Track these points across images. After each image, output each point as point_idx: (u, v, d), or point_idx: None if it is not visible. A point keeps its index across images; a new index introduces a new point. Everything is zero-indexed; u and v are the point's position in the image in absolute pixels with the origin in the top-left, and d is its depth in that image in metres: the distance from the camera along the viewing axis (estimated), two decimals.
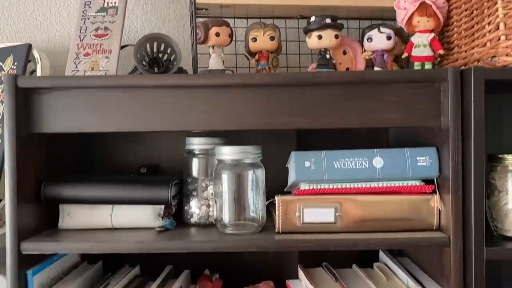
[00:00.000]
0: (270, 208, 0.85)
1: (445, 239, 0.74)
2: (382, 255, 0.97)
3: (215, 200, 0.81)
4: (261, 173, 0.81)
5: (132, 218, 0.84)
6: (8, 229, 0.74)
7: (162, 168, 1.03)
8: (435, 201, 0.78)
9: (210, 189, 0.86)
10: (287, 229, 0.78)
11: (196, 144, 0.88)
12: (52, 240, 0.77)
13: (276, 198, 0.78)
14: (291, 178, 0.81)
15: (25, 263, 0.77)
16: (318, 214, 0.78)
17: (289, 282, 0.91)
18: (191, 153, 0.88)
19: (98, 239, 0.78)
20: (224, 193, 0.80)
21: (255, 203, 0.80)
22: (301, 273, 0.92)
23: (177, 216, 0.87)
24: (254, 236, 0.78)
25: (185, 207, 0.88)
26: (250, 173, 0.80)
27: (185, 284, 0.91)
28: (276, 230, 0.78)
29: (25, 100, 0.76)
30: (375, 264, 0.93)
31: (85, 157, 1.02)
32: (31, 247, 0.75)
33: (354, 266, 0.94)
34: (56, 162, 0.88)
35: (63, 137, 0.91)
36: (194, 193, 0.87)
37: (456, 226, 0.73)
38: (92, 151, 1.04)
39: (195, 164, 0.88)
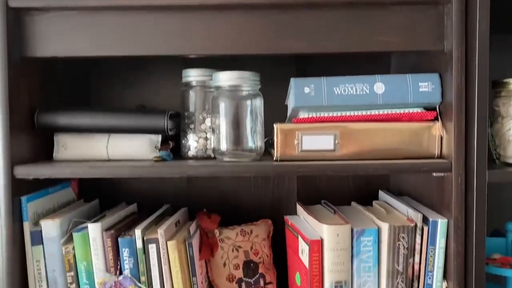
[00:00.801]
0: (268, 149, 0.84)
1: (447, 164, 0.73)
2: (381, 195, 0.96)
3: (213, 130, 0.80)
4: (259, 102, 0.80)
5: (128, 150, 0.83)
6: (1, 154, 0.73)
7: (160, 108, 1.01)
8: (437, 128, 0.76)
9: (208, 122, 0.84)
10: (286, 157, 0.76)
11: (193, 76, 0.86)
12: (46, 165, 0.76)
13: (274, 126, 0.77)
14: (291, 105, 0.80)
15: (20, 189, 0.76)
16: (317, 141, 0.77)
17: (288, 217, 0.90)
18: (188, 86, 0.87)
19: (93, 165, 0.76)
20: (221, 122, 0.78)
21: (253, 133, 0.79)
22: (299, 209, 0.91)
23: (174, 153, 0.85)
24: (252, 163, 0.77)
25: (183, 141, 0.86)
26: (248, 102, 0.79)
27: (183, 219, 0.90)
28: (274, 158, 0.77)
29: (17, 21, 0.74)
30: (374, 202, 0.92)
31: (81, 99, 1.00)
32: (24, 172, 0.74)
33: (353, 203, 0.93)
34: (51, 93, 0.86)
35: (60, 68, 0.90)
36: (192, 126, 0.85)
37: (458, 150, 0.72)
38: (89, 93, 1.02)
39: (192, 97, 0.86)
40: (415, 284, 0.76)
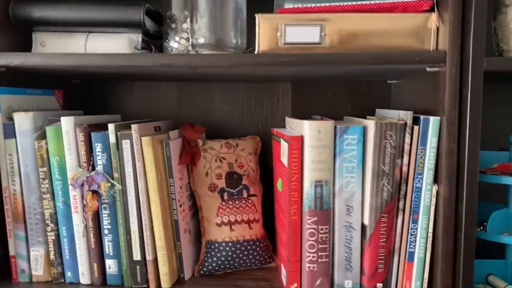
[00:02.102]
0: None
1: (441, 54, 0.67)
2: (379, 111, 0.90)
3: (192, 22, 0.75)
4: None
5: (108, 49, 0.79)
6: None
7: None
8: (432, 20, 0.70)
9: (189, 21, 0.80)
10: (268, 51, 0.71)
11: None
12: (17, 54, 0.73)
13: (256, 16, 0.72)
14: None
15: None
16: (302, 33, 0.71)
17: (275, 129, 0.85)
18: None
19: (64, 54, 0.73)
20: (202, 13, 0.73)
21: (235, 28, 0.74)
22: (287, 120, 0.86)
23: None
24: (232, 54, 0.72)
25: (164, 44, 0.82)
26: None
27: (165, 127, 0.87)
28: (256, 51, 0.72)
29: None
30: (367, 116, 0.86)
31: None
32: None
33: (345, 117, 0.87)
34: None
35: None
36: (173, 26, 0.81)
37: (454, 40, 0.65)
38: None
39: None
40: (403, 187, 0.70)
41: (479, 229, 0.78)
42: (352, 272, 0.72)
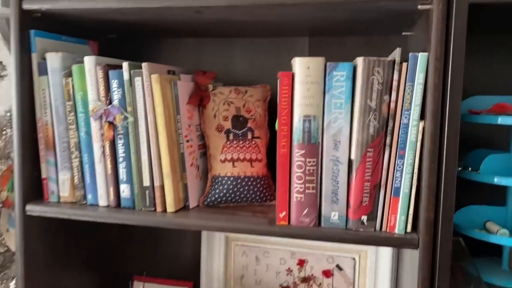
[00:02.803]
0: None
1: None
2: None
3: None
4: None
5: None
6: None
7: None
8: None
9: None
10: None
11: None
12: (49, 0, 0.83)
13: None
14: None
15: (29, 23, 0.85)
16: None
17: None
18: None
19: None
20: None
21: None
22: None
23: None
24: None
25: None
26: None
27: (179, 71, 0.94)
28: None
29: None
30: None
31: None
32: (30, 6, 0.82)
33: None
34: None
35: None
36: None
37: None
38: None
39: None
40: (390, 123, 0.72)
41: (468, 170, 0.77)
42: (338, 204, 0.75)
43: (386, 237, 0.73)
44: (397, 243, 0.73)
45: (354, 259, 1.04)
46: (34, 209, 0.86)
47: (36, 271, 0.90)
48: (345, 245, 1.03)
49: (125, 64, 0.82)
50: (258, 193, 0.89)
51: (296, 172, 0.75)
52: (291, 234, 0.77)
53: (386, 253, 1.00)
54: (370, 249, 1.02)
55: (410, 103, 0.70)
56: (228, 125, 0.90)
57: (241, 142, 0.90)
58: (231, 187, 0.88)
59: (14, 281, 0.99)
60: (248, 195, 0.88)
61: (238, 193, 0.88)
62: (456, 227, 0.81)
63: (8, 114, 1.02)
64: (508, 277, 0.77)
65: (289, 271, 1.08)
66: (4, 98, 1.22)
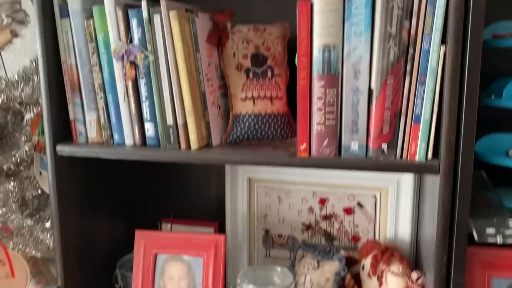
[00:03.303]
0: None
1: None
2: None
3: None
4: None
5: None
6: None
7: None
8: None
9: None
10: None
11: None
12: None
13: None
14: None
15: None
16: None
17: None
18: None
19: None
20: None
21: None
22: None
23: None
24: None
25: None
26: None
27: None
28: None
29: None
30: None
31: None
32: None
33: None
34: None
35: None
36: None
37: None
38: None
39: None
40: (411, 50, 0.71)
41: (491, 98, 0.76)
42: (358, 134, 0.76)
43: (406, 164, 0.74)
44: (418, 169, 0.74)
45: (375, 196, 1.06)
46: (64, 149, 0.90)
47: (69, 212, 0.95)
48: (366, 182, 1.05)
49: (143, 2, 0.83)
50: (278, 130, 0.90)
51: (316, 103, 0.76)
52: (312, 165, 0.78)
53: (406, 189, 1.01)
54: (390, 186, 1.03)
55: (431, 28, 0.69)
56: (247, 63, 0.91)
57: (261, 80, 0.90)
58: (252, 124, 0.89)
59: (49, 222, 1.05)
60: (269, 132, 0.90)
61: (259, 131, 0.89)
62: (478, 155, 0.81)
63: (34, 63, 1.05)
64: None
65: (311, 209, 1.11)
66: (29, 49, 1.25)
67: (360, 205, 1.07)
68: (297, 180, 1.10)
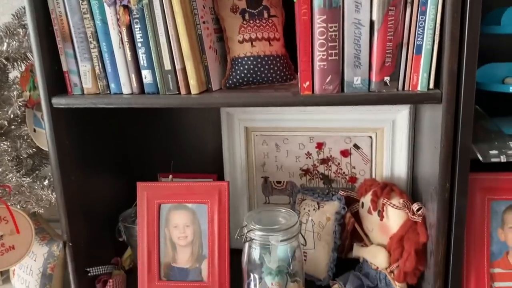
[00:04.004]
0: None
1: None
2: None
3: None
4: None
5: None
6: None
7: None
8: None
9: None
10: None
11: None
12: None
13: None
14: None
15: None
16: None
17: None
18: None
19: None
20: None
21: None
22: None
23: None
24: None
25: None
26: None
27: None
28: None
29: None
30: None
31: None
32: None
33: None
34: None
35: None
36: None
37: None
38: None
39: None
40: None
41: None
42: (361, 68, 0.77)
43: (408, 94, 0.75)
44: (420, 99, 0.75)
45: (370, 137, 1.08)
46: (60, 102, 0.88)
47: (68, 166, 0.94)
48: (362, 124, 1.07)
49: None
50: (278, 72, 0.90)
51: (319, 39, 0.76)
52: (316, 102, 0.79)
53: (401, 128, 1.03)
54: (386, 126, 1.05)
55: None
56: (242, 4, 0.89)
57: (257, 21, 0.89)
58: (251, 67, 0.89)
59: (47, 180, 1.03)
60: (268, 75, 0.90)
61: (258, 73, 0.89)
62: (476, 84, 0.83)
63: (17, 17, 1.01)
64: None
65: (308, 154, 1.13)
66: (7, 6, 1.20)
67: (356, 146, 1.09)
68: (293, 126, 1.11)
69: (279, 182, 1.17)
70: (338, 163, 1.12)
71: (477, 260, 0.79)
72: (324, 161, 1.12)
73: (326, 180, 1.13)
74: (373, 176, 1.10)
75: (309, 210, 1.06)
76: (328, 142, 1.11)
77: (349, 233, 1.03)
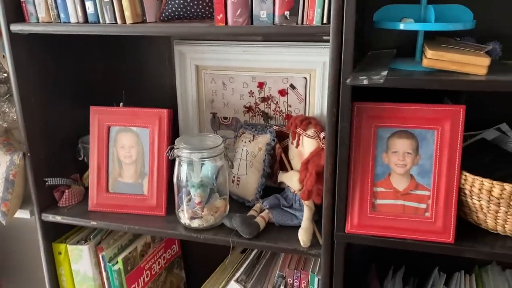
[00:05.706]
0: None
1: None
2: None
3: None
4: None
5: None
6: None
7: None
8: None
9: None
10: None
11: None
12: None
13: None
14: None
15: None
16: None
17: None
18: None
19: None
20: None
21: None
22: None
23: None
24: None
25: None
26: None
27: None
28: None
29: None
30: None
31: None
32: None
33: None
34: None
35: None
36: None
37: None
38: None
39: None
40: None
41: None
42: (266, 3, 0.86)
43: (305, 27, 0.85)
44: (314, 31, 0.85)
45: (305, 78, 1.18)
46: (17, 28, 1.01)
47: (27, 90, 1.07)
48: (298, 65, 1.16)
49: None
50: (207, 8, 1.00)
51: None
52: (228, 33, 0.90)
53: None
54: (318, 68, 1.15)
55: None
56: None
57: None
58: (185, 4, 0.99)
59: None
60: (198, 10, 1.00)
61: (188, 8, 0.99)
62: (375, 23, 0.91)
63: None
64: (415, 65, 0.89)
65: (251, 93, 1.24)
66: None
67: (292, 86, 1.20)
68: (238, 66, 1.21)
69: (225, 118, 1.28)
70: (277, 102, 1.22)
71: (363, 179, 0.90)
72: (264, 99, 1.23)
73: (266, 117, 1.24)
74: (306, 114, 1.20)
75: (245, 142, 1.18)
76: (268, 82, 1.21)
77: (278, 162, 1.15)
